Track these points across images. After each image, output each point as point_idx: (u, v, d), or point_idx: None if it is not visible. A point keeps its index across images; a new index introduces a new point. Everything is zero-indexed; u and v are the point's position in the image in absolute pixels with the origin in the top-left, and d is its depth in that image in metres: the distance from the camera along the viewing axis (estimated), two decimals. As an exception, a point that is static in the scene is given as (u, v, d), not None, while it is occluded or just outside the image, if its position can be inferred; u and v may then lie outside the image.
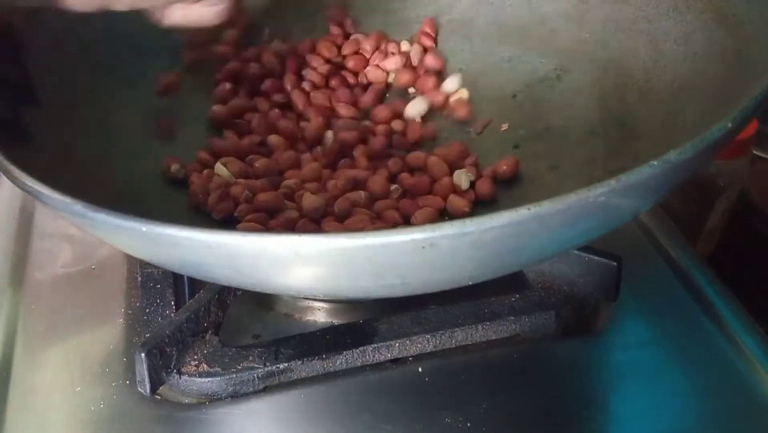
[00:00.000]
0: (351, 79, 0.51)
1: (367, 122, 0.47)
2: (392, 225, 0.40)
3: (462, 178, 0.43)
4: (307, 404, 0.36)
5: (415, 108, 0.48)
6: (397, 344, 0.38)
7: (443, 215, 0.42)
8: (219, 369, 0.36)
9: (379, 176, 0.42)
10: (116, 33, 0.47)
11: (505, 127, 0.47)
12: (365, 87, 0.50)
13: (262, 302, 0.41)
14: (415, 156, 0.44)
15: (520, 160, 0.44)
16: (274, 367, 0.37)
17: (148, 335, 0.36)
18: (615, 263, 0.39)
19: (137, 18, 0.48)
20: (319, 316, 0.40)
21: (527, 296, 0.40)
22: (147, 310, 0.40)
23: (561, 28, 0.49)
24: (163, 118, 0.46)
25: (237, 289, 0.39)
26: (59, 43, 0.42)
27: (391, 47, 0.51)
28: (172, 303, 0.40)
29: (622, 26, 0.45)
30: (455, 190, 0.43)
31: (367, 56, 0.51)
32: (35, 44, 0.41)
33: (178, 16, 0.35)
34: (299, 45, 0.51)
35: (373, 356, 0.38)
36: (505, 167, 0.43)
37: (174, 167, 0.43)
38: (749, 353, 0.39)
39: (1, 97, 0.37)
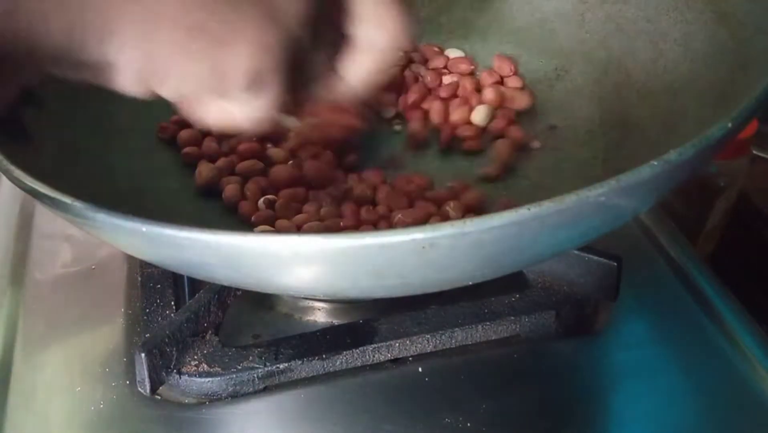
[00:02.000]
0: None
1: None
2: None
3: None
4: (307, 404, 0.36)
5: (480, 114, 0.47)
6: (397, 344, 0.38)
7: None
8: (219, 369, 0.36)
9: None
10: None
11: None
12: None
13: (262, 302, 0.41)
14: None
15: (521, 160, 0.44)
16: (274, 367, 0.37)
17: (148, 335, 0.36)
18: (615, 263, 0.39)
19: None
20: (319, 316, 0.40)
21: (527, 296, 0.40)
22: (147, 310, 0.40)
23: (561, 28, 0.49)
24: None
25: (237, 289, 0.39)
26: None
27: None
28: (172, 303, 0.40)
29: (622, 26, 0.45)
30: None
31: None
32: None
33: (212, 116, 0.32)
34: None
35: (373, 356, 0.38)
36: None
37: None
38: (749, 353, 0.39)
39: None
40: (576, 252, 0.39)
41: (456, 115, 0.47)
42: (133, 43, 0.26)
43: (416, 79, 0.50)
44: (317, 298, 0.40)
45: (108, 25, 0.25)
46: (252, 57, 0.28)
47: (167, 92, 0.29)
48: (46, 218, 0.48)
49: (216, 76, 0.28)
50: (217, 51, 0.27)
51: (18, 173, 0.29)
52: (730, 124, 0.27)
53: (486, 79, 0.49)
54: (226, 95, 0.29)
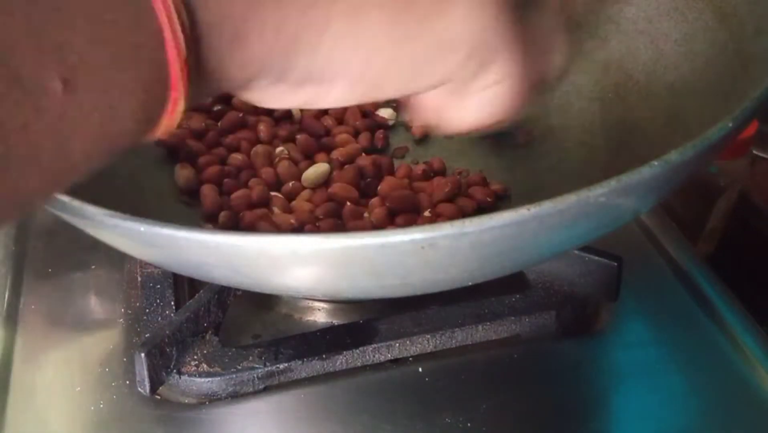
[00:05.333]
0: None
1: None
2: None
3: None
4: (307, 404, 0.36)
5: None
6: (397, 345, 0.38)
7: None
8: (219, 369, 0.36)
9: None
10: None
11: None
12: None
13: (262, 302, 0.41)
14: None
15: (520, 160, 0.44)
16: (274, 367, 0.37)
17: (148, 335, 0.36)
18: (615, 263, 0.39)
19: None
20: (319, 316, 0.40)
21: (527, 296, 0.40)
22: (147, 310, 0.40)
23: (561, 28, 0.49)
24: None
25: (237, 289, 0.39)
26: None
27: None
28: (172, 303, 0.40)
29: (623, 26, 0.45)
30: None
31: None
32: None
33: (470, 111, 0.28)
34: None
35: (373, 356, 0.38)
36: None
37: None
38: (749, 353, 0.39)
39: None
40: (576, 252, 0.39)
41: None
42: (347, 41, 0.24)
43: None
44: (317, 298, 0.40)
45: (319, 22, 0.23)
46: (471, 18, 0.25)
47: (392, 88, 0.26)
48: (46, 218, 0.48)
49: (440, 49, 0.25)
50: (434, 22, 0.24)
51: (17, 173, 0.28)
52: (730, 124, 0.27)
53: None
54: (454, 76, 0.26)
